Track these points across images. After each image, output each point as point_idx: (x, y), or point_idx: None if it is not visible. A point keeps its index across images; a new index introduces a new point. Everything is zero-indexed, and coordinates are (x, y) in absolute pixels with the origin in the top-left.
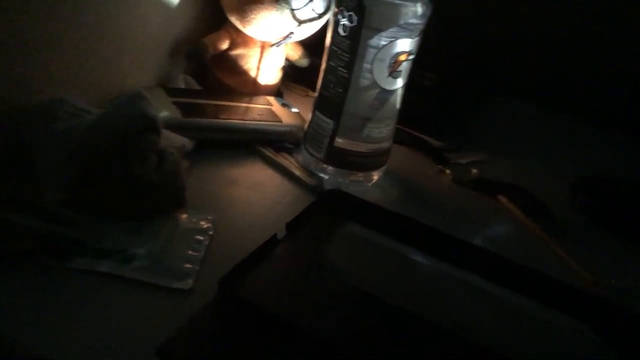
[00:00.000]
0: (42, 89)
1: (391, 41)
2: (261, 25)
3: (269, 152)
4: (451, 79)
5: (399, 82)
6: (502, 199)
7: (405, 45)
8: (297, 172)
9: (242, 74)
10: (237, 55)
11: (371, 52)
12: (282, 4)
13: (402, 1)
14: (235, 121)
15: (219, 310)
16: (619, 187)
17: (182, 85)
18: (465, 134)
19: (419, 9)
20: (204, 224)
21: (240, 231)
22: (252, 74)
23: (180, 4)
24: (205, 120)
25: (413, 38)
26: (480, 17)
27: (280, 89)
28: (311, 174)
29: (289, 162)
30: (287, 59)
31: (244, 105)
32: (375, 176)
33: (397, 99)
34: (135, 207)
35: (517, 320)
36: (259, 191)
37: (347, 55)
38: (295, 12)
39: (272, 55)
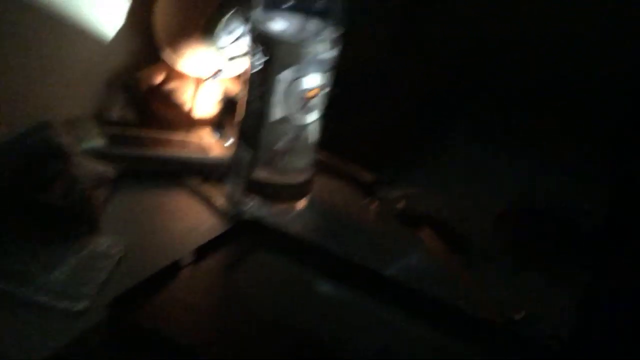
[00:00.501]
0: None
1: (299, 77)
2: (191, 61)
3: (193, 183)
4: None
5: (313, 116)
6: (425, 231)
7: (314, 81)
8: (218, 202)
9: (177, 107)
10: (172, 89)
11: (281, 87)
12: (210, 42)
13: (308, 39)
14: (159, 152)
15: (109, 333)
16: (542, 220)
17: (116, 116)
18: (403, 167)
19: (327, 46)
20: (113, 249)
21: (151, 257)
22: (187, 107)
23: (117, 38)
24: (129, 151)
25: (323, 74)
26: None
27: (222, 122)
28: (233, 204)
29: (213, 192)
30: (226, 93)
31: (174, 137)
32: (299, 206)
33: (313, 133)
34: (43, 232)
35: (413, 346)
36: (178, 219)
37: (260, 89)
38: (223, 49)
39: (208, 89)
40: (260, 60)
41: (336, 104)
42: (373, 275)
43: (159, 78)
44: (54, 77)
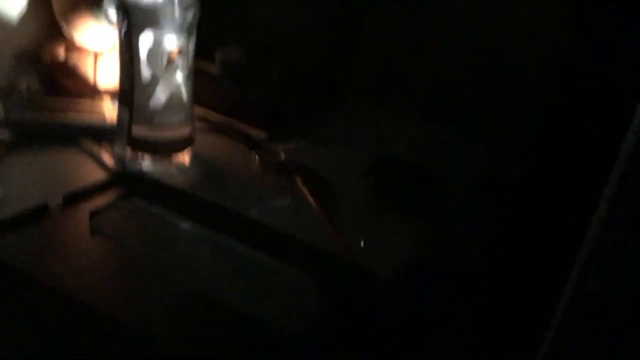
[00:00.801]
0: None
1: (159, 39)
2: (87, 35)
3: (86, 144)
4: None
5: (178, 75)
6: (298, 179)
7: (172, 42)
8: (107, 160)
9: (79, 78)
10: (74, 62)
11: (144, 49)
12: (98, 14)
13: (162, 3)
14: (52, 117)
15: None
16: (404, 167)
17: (24, 87)
18: (290, 125)
19: (182, 9)
20: None
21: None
22: (89, 77)
23: (23, 17)
24: (26, 117)
25: (181, 35)
26: None
27: None
28: (119, 160)
29: (103, 152)
30: None
31: (71, 104)
32: (181, 160)
33: (182, 90)
34: None
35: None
36: (62, 175)
37: (128, 53)
38: (113, 22)
39: (109, 60)
40: (122, 26)
41: (232, 69)
42: (236, 217)
43: (61, 52)
44: None
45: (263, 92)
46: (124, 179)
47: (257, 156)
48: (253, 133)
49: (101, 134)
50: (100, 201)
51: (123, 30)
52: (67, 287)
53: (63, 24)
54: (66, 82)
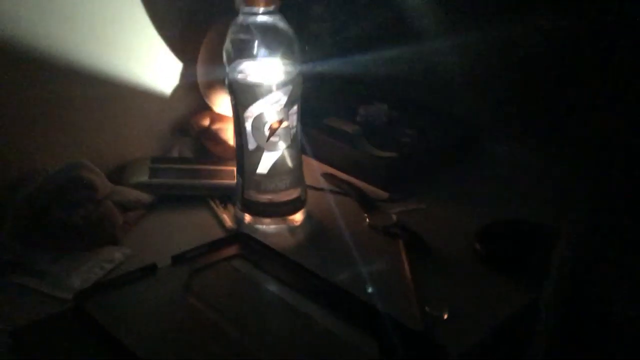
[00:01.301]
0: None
1: (260, 114)
2: (222, 106)
3: (213, 203)
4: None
5: (281, 145)
6: (400, 243)
7: (273, 115)
8: (225, 218)
9: (223, 143)
10: (217, 129)
11: (248, 122)
12: None
13: (260, 82)
14: (188, 180)
15: (71, 318)
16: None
17: (176, 154)
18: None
19: (281, 87)
20: (117, 255)
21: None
22: (231, 143)
23: (174, 93)
24: (163, 181)
25: (282, 109)
26: None
27: None
28: (235, 221)
29: (225, 211)
30: None
31: (210, 167)
32: (293, 222)
33: (286, 158)
34: (66, 244)
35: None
36: (189, 234)
37: (237, 125)
38: None
39: None
40: (232, 102)
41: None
42: (323, 283)
43: (207, 121)
44: (132, 126)
45: (396, 150)
46: (235, 239)
47: (367, 218)
48: (375, 193)
49: (224, 194)
50: (206, 261)
51: (232, 106)
52: (145, 350)
53: (206, 98)
54: (212, 148)
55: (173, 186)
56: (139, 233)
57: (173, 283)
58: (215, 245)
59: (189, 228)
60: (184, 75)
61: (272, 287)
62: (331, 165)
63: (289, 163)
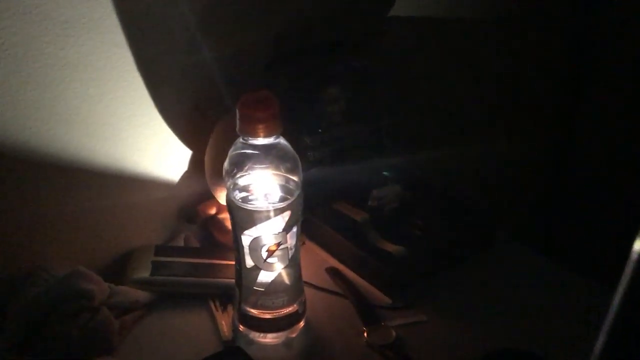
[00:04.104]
0: (61, 242)
1: (258, 237)
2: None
3: (214, 306)
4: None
5: (279, 266)
6: None
7: (270, 239)
8: (223, 325)
9: (229, 232)
10: (224, 218)
11: (245, 244)
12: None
13: (257, 208)
14: (190, 278)
15: None
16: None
17: (182, 242)
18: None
19: (278, 213)
20: None
21: None
22: None
23: (181, 181)
24: (164, 279)
25: (279, 233)
26: None
27: None
28: (232, 332)
29: (225, 314)
30: None
31: (215, 262)
32: (290, 335)
33: (283, 278)
34: (64, 355)
35: None
36: (184, 343)
37: (235, 242)
38: None
39: None
40: (230, 218)
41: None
42: None
43: (213, 210)
44: (137, 214)
45: (405, 243)
46: (229, 355)
47: (365, 333)
48: (378, 298)
49: (231, 294)
50: None
51: (230, 221)
52: None
53: (212, 190)
54: (218, 236)
55: (174, 284)
56: (134, 340)
57: None
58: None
59: (186, 336)
60: (192, 163)
61: None
62: (337, 257)
63: (287, 281)
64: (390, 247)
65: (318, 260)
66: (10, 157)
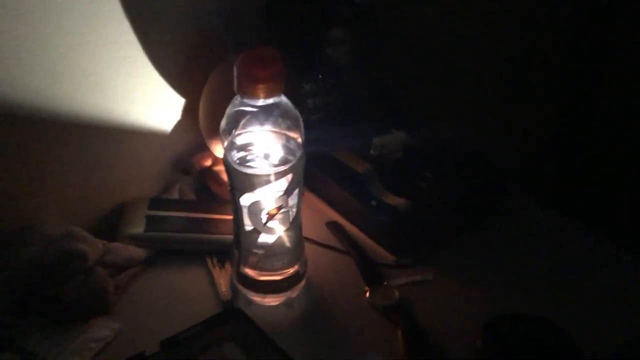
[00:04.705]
0: (52, 197)
1: (257, 200)
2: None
3: (211, 263)
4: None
5: (280, 228)
6: (399, 333)
7: (271, 203)
8: (221, 284)
9: (225, 184)
10: (220, 170)
11: (244, 208)
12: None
13: (257, 172)
14: (187, 234)
15: None
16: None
17: (176, 194)
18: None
19: (278, 176)
20: (106, 332)
21: (140, 339)
22: None
23: (175, 131)
24: (160, 235)
25: (280, 197)
26: None
27: None
28: (231, 293)
29: (222, 272)
30: None
31: (211, 216)
32: (290, 295)
33: (284, 240)
34: (58, 319)
35: None
36: (182, 302)
37: (234, 203)
38: None
39: None
40: (228, 181)
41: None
42: None
43: (208, 161)
44: (130, 165)
45: (410, 195)
46: (228, 318)
47: (367, 293)
48: (381, 255)
49: (228, 250)
50: (196, 345)
51: (228, 184)
52: None
53: (208, 143)
54: (214, 188)
55: (170, 240)
56: (130, 299)
57: None
58: (206, 326)
59: (183, 295)
60: (186, 111)
61: None
62: (338, 210)
63: (287, 244)
64: (395, 200)
65: (318, 213)
66: None
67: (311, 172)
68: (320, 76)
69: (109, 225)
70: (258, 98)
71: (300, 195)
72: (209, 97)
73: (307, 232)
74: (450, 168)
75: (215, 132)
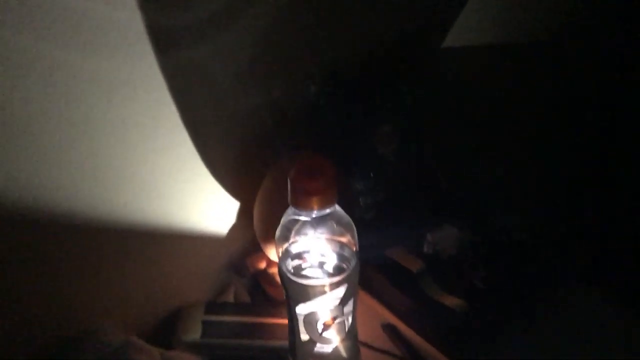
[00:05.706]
0: (111, 304)
1: (312, 311)
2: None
3: None
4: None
5: (335, 339)
6: None
7: (326, 314)
8: None
9: (280, 287)
10: (274, 273)
11: (300, 318)
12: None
13: (312, 283)
14: (243, 340)
15: None
16: None
17: (232, 297)
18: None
19: (333, 287)
20: None
21: None
22: None
23: (230, 234)
24: (216, 341)
25: (335, 307)
26: None
27: None
28: None
29: None
30: None
31: (267, 321)
32: None
33: (341, 349)
34: None
35: None
36: None
37: (289, 312)
38: None
39: None
40: (283, 289)
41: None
42: None
43: (263, 264)
44: (185, 269)
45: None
46: None
47: None
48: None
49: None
50: None
51: (284, 296)
52: None
53: (262, 246)
54: (269, 290)
55: (226, 347)
56: None
57: None
58: None
59: None
60: (240, 214)
61: None
62: (392, 311)
63: (344, 354)
64: (451, 301)
65: (372, 314)
66: (60, 223)
67: (365, 272)
68: (371, 174)
69: (166, 331)
70: (312, 210)
71: (356, 303)
72: (263, 201)
73: (361, 333)
74: (506, 263)
75: (269, 236)
